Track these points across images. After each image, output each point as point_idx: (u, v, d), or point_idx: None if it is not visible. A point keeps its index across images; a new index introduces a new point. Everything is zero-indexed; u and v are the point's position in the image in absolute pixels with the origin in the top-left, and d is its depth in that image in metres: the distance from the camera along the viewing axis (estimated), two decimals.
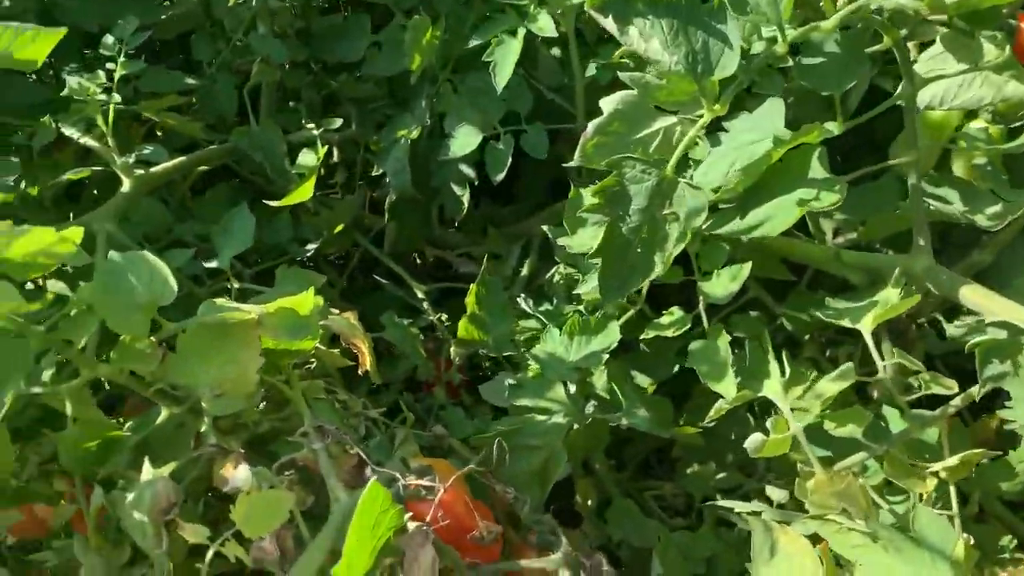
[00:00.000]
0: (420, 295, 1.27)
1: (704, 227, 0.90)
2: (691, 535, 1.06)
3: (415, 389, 1.24)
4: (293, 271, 1.05)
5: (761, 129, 0.91)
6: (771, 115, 0.91)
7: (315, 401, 0.89)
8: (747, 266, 0.96)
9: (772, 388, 0.92)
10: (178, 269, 1.09)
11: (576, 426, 0.99)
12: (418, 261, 1.42)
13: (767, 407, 1.18)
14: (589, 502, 1.11)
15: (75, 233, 0.73)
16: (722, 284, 0.97)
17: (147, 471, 0.74)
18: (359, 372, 0.99)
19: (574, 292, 1.19)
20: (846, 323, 0.92)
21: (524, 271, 1.25)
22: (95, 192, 1.22)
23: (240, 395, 0.79)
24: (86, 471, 0.82)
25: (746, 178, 0.90)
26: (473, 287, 1.09)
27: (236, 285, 1.04)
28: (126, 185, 1.05)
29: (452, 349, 1.20)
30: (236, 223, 1.04)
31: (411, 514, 0.71)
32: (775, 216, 0.90)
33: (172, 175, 1.14)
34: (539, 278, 1.26)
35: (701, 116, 0.84)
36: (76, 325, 0.75)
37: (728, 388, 0.92)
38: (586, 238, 0.99)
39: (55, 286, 0.77)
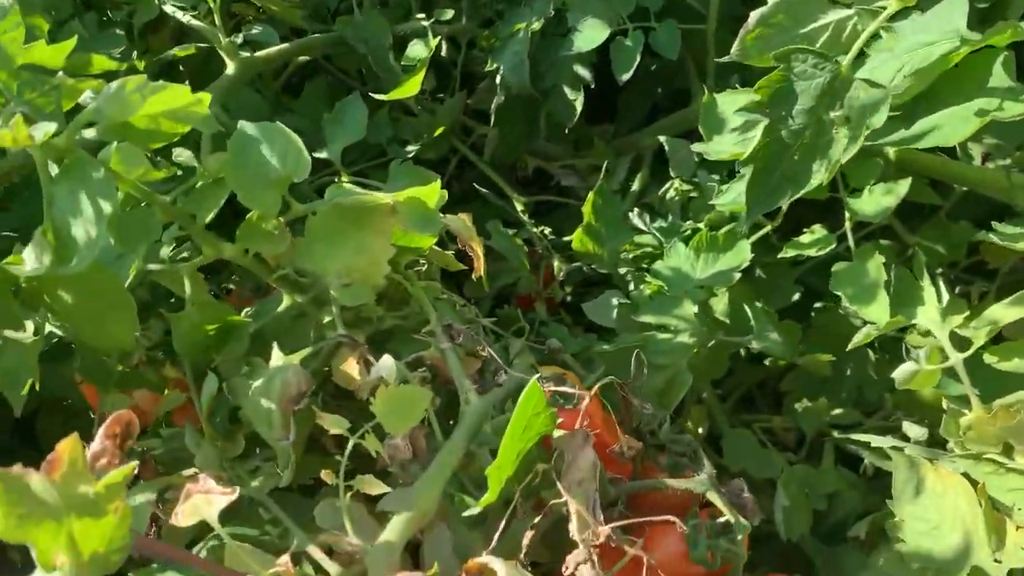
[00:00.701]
0: (520, 207, 1.21)
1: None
2: (813, 470, 1.00)
3: (504, 305, 1.18)
4: (407, 167, 0.98)
5: (937, 29, 0.82)
6: (950, 14, 0.82)
7: (436, 302, 0.83)
8: (907, 181, 0.88)
9: (928, 314, 0.84)
10: None
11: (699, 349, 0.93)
12: (517, 175, 1.35)
13: (888, 344, 1.11)
14: (700, 430, 1.05)
15: (207, 96, 0.66)
16: (874, 201, 0.89)
17: (277, 357, 0.69)
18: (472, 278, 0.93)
19: (689, 209, 1.12)
20: (1021, 247, 0.83)
21: (635, 186, 1.18)
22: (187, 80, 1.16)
23: (368, 286, 0.74)
24: (201, 357, 0.78)
25: (916, 84, 0.82)
26: (590, 195, 1.02)
27: (346, 179, 0.98)
28: (231, 68, 0.99)
29: (555, 263, 1.14)
30: (348, 113, 0.98)
31: (561, 419, 0.65)
32: (947, 127, 0.82)
33: (275, 61, 1.08)
34: (648, 195, 1.19)
35: (884, 7, 0.75)
36: (203, 198, 0.69)
37: (880, 313, 0.85)
38: (726, 145, 0.91)
39: (182, 155, 0.70)
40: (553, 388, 0.72)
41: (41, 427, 1.01)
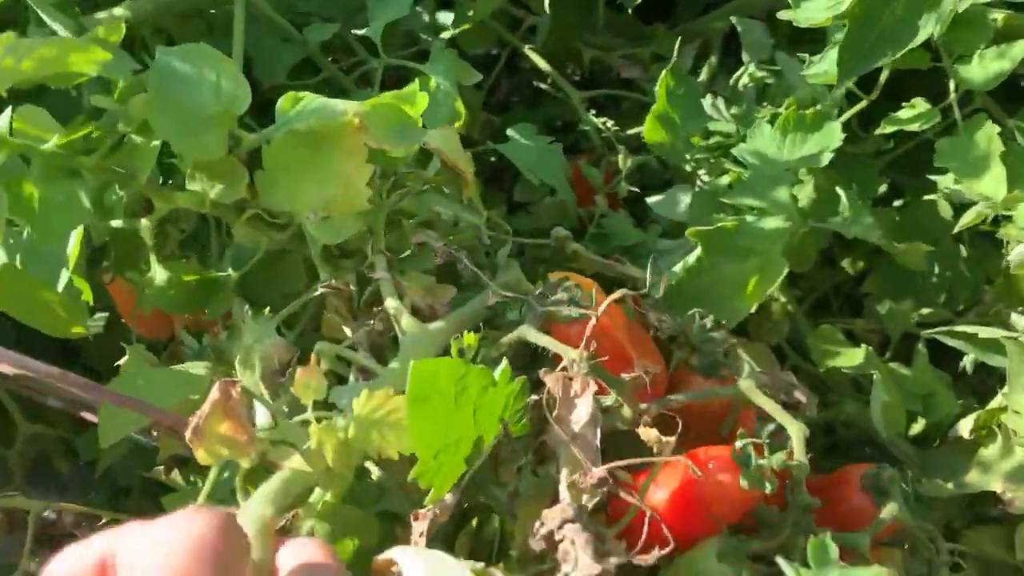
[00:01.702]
0: (576, 102, 1.12)
1: None
2: (906, 370, 0.93)
3: None
4: (447, 53, 0.90)
5: None
6: None
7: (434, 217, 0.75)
8: (1021, 43, 0.78)
9: None
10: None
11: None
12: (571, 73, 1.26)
13: (980, 241, 1.03)
14: (777, 332, 0.98)
15: (113, 30, 0.57)
16: (984, 67, 0.80)
17: (250, 328, 0.62)
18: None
19: (765, 96, 1.04)
20: None
21: (703, 76, 1.09)
22: None
23: (350, 217, 0.64)
24: (183, 312, 0.71)
25: None
26: (663, 75, 0.94)
27: (381, 64, 0.90)
28: None
29: (620, 156, 1.06)
30: None
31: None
32: None
33: None
34: (717, 84, 1.10)
35: None
36: (136, 152, 0.60)
37: (995, 187, 0.77)
38: (818, 9, 0.82)
39: (100, 101, 0.60)
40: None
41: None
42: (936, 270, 1.06)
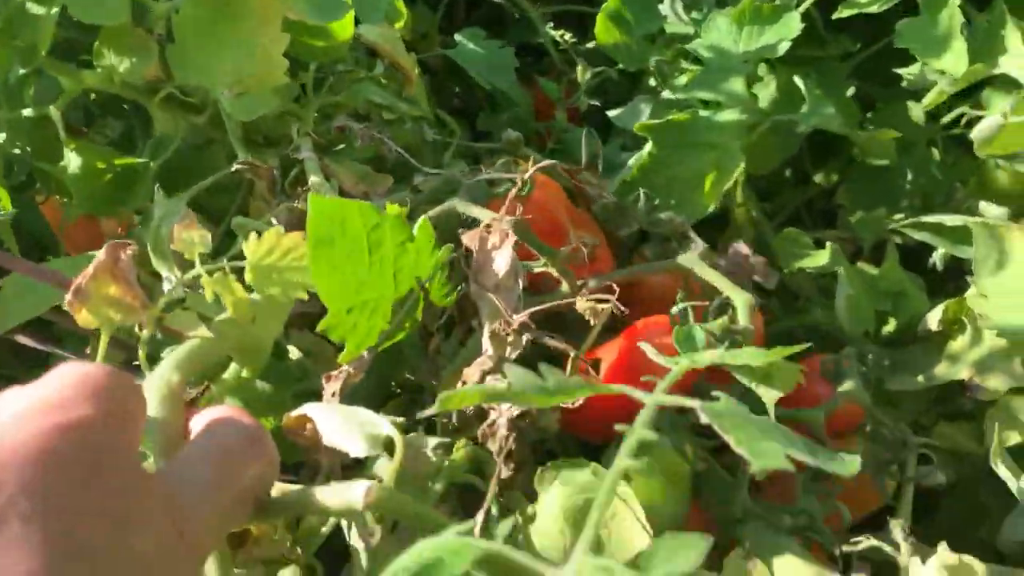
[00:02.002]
0: (534, 16, 1.09)
1: None
2: (874, 269, 0.90)
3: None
4: None
5: None
6: None
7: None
8: None
9: (1013, 62, 0.73)
10: None
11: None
12: None
13: (953, 145, 1.01)
14: (744, 240, 0.95)
15: None
16: None
17: (159, 201, 0.58)
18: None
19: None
20: None
21: None
22: None
23: (267, 92, 0.61)
24: (108, 208, 0.67)
25: None
26: None
27: None
28: None
29: (579, 68, 1.02)
30: None
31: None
32: None
33: None
34: None
35: None
36: (35, 22, 0.57)
37: (956, 62, 0.74)
38: None
39: None
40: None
41: None
42: (909, 176, 1.03)
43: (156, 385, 0.43)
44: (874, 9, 0.80)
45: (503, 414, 0.43)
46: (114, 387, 0.34)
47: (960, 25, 0.76)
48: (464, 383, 0.46)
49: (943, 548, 0.45)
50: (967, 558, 0.42)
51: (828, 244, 0.86)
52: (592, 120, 1.08)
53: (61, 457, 0.30)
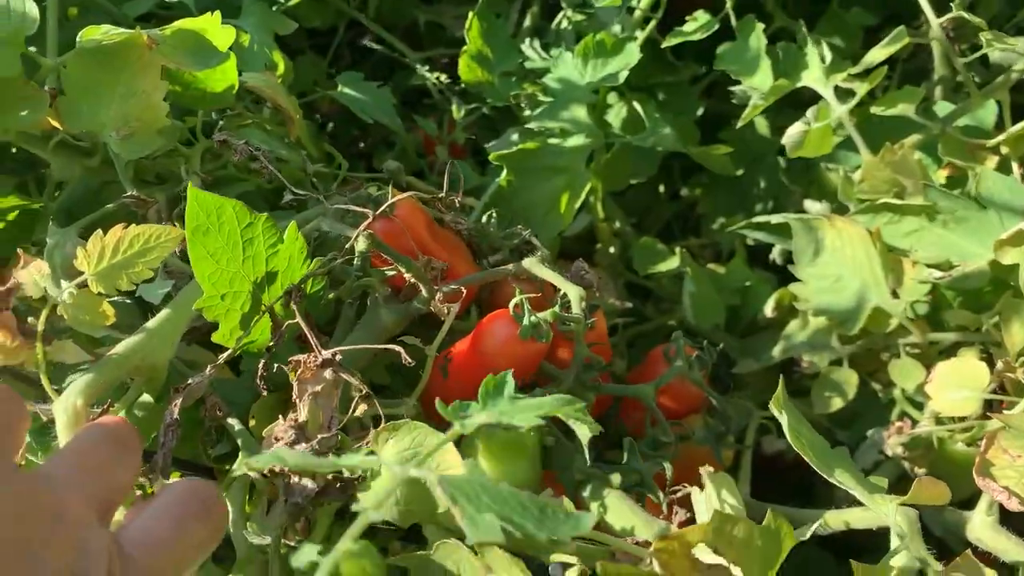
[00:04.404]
0: (412, 60, 1.18)
1: None
2: (723, 268, 1.00)
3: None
4: (259, 5, 0.93)
5: None
6: None
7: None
8: None
9: (812, 76, 0.83)
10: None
11: (597, 156, 0.91)
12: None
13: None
14: (612, 250, 1.04)
15: None
16: None
17: (52, 231, 0.64)
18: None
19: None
20: None
21: (527, 21, 1.15)
22: None
23: (151, 133, 0.68)
24: (6, 251, 0.72)
25: None
26: (471, 18, 0.99)
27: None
28: None
29: (454, 106, 1.11)
30: None
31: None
32: None
33: None
34: (544, 36, 1.17)
35: None
36: None
37: (763, 79, 0.84)
38: None
39: None
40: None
41: None
42: (762, 184, 1.13)
43: (61, 409, 0.49)
44: (697, 36, 0.90)
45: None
46: None
47: (766, 47, 0.86)
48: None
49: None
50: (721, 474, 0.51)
51: (678, 249, 0.95)
52: (476, 154, 1.17)
53: None
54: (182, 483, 0.45)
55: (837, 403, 0.79)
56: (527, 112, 1.03)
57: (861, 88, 0.80)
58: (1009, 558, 0.59)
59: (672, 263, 0.94)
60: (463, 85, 1.14)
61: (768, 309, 0.88)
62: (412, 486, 0.49)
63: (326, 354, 0.52)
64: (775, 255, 0.99)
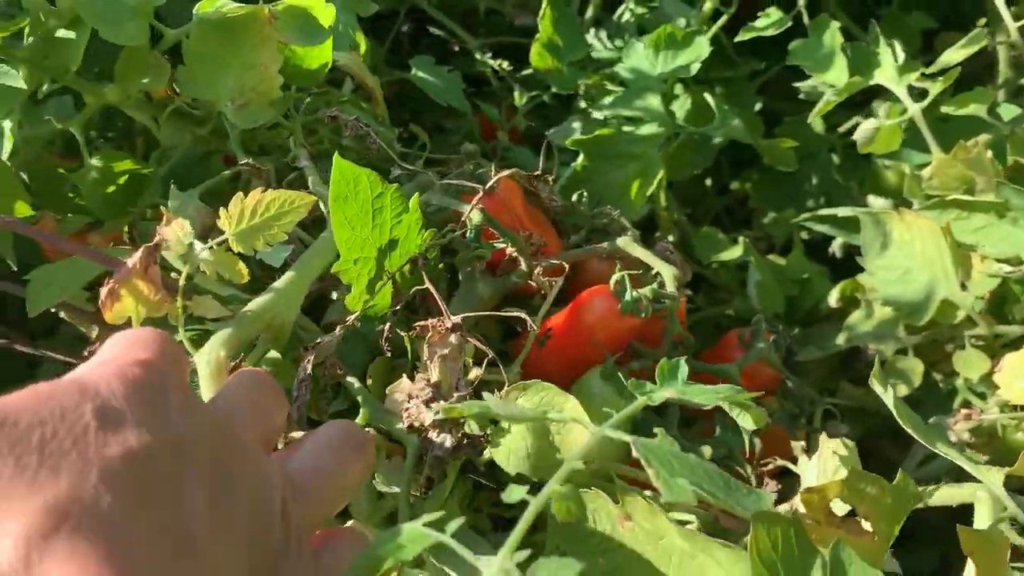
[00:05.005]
0: (473, 47, 1.20)
1: None
2: (782, 259, 1.02)
3: None
4: None
5: None
6: None
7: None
8: None
9: (885, 73, 0.86)
10: None
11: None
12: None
13: (852, 152, 1.14)
14: (671, 238, 1.07)
15: None
16: None
17: (175, 196, 0.66)
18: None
19: (645, 30, 1.13)
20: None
21: (589, 13, 1.17)
22: None
23: (265, 104, 0.70)
24: (116, 212, 0.75)
25: None
26: (544, 7, 1.01)
27: None
28: None
29: (516, 93, 1.13)
30: None
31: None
32: None
33: None
34: (604, 25, 1.19)
35: None
36: (64, 45, 0.65)
37: (839, 75, 0.87)
38: None
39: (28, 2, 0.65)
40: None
41: None
42: (814, 180, 1.16)
43: (205, 360, 0.52)
44: (770, 32, 0.92)
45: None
46: (162, 340, 0.44)
47: (841, 44, 0.89)
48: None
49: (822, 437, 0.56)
50: (839, 441, 0.53)
51: (741, 239, 0.98)
52: (531, 141, 1.19)
53: (139, 379, 0.39)
54: (337, 423, 0.47)
55: (903, 390, 0.82)
56: (589, 102, 1.06)
57: (934, 88, 0.83)
58: None
59: (735, 252, 0.97)
60: (525, 72, 1.17)
61: (832, 299, 0.91)
62: (540, 441, 0.51)
63: (455, 319, 0.55)
64: (835, 248, 1.02)
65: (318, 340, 0.56)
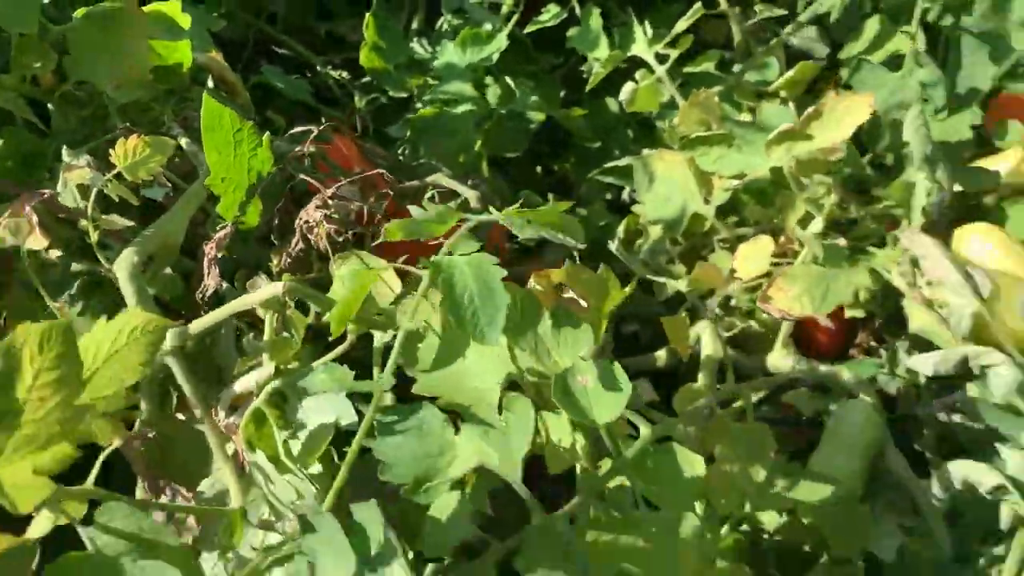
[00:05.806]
0: (316, 62, 1.39)
1: None
2: (584, 211, 1.24)
3: None
4: (194, 9, 1.13)
5: None
6: None
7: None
8: None
9: (639, 47, 1.09)
10: None
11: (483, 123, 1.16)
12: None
13: (644, 128, 1.36)
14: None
15: None
16: None
17: (68, 154, 0.82)
18: None
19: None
20: None
21: (414, 26, 1.38)
22: None
23: (137, 84, 0.89)
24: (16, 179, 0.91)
25: None
26: (368, 17, 1.21)
27: None
28: None
29: (356, 96, 1.33)
30: None
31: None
32: None
33: None
34: (426, 35, 1.40)
35: None
36: None
37: (602, 51, 1.09)
38: None
39: None
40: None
41: None
42: (616, 153, 1.38)
43: (124, 265, 0.69)
44: (551, 23, 1.15)
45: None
46: None
47: (603, 25, 1.12)
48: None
49: None
50: None
51: (552, 198, 1.19)
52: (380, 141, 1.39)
53: None
54: None
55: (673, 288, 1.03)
56: (418, 96, 1.26)
57: (674, 53, 1.06)
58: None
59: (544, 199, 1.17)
60: (365, 80, 1.36)
61: (620, 231, 1.12)
62: None
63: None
64: (625, 195, 1.24)
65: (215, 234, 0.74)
